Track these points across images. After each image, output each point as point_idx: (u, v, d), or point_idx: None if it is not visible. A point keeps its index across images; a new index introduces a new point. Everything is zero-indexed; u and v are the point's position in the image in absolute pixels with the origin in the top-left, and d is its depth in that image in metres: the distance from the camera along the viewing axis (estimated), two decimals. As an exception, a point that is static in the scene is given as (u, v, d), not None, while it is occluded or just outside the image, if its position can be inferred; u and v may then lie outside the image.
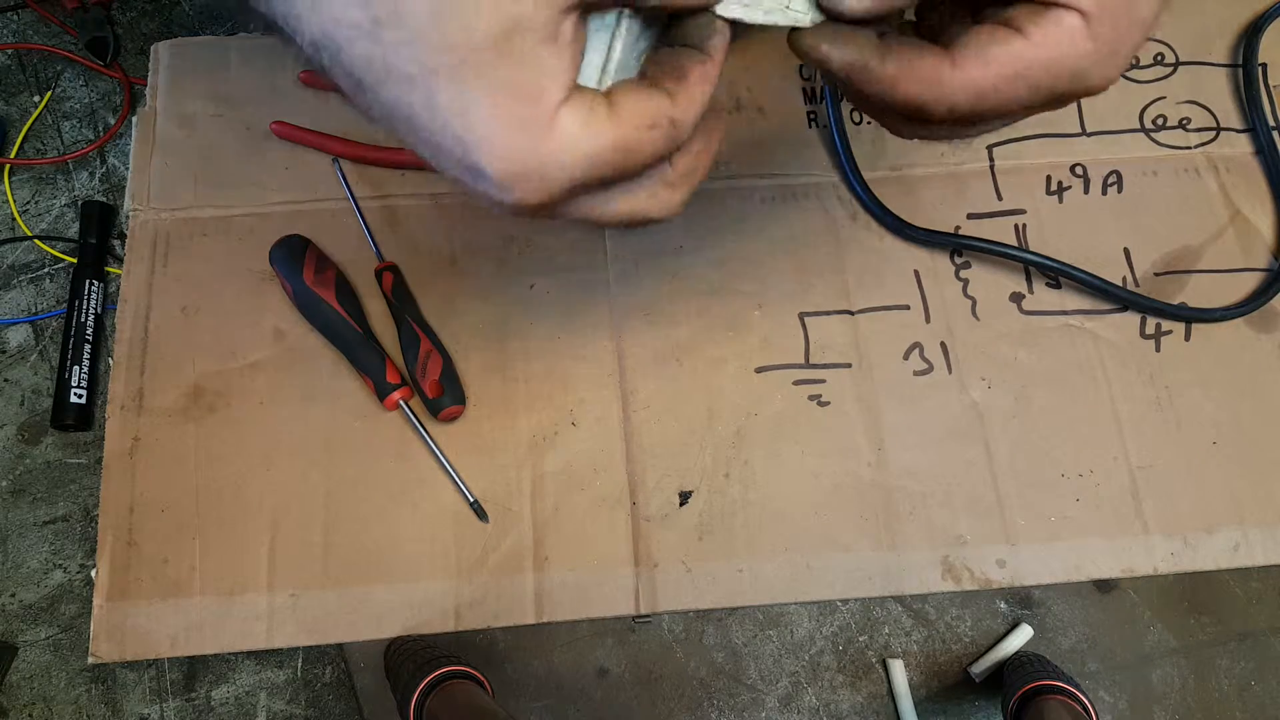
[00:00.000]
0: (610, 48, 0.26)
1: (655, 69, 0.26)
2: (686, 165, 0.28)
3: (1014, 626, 0.97)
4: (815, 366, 0.51)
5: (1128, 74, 0.58)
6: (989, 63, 0.25)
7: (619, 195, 0.27)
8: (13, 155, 0.86)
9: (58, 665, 0.87)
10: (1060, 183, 0.55)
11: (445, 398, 0.48)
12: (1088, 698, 0.81)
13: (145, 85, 0.56)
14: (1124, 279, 0.53)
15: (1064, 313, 0.52)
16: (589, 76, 0.26)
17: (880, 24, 0.28)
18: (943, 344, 0.52)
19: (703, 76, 0.26)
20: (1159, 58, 0.58)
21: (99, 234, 0.83)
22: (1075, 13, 0.25)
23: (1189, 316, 0.52)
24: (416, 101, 0.22)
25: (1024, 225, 0.54)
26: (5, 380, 0.86)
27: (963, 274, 0.53)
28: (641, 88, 0.25)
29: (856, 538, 0.48)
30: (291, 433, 0.49)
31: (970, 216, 0.54)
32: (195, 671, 0.90)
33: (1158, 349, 0.52)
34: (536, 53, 0.22)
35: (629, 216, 0.28)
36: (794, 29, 0.28)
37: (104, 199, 0.86)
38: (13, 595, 0.87)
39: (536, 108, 0.23)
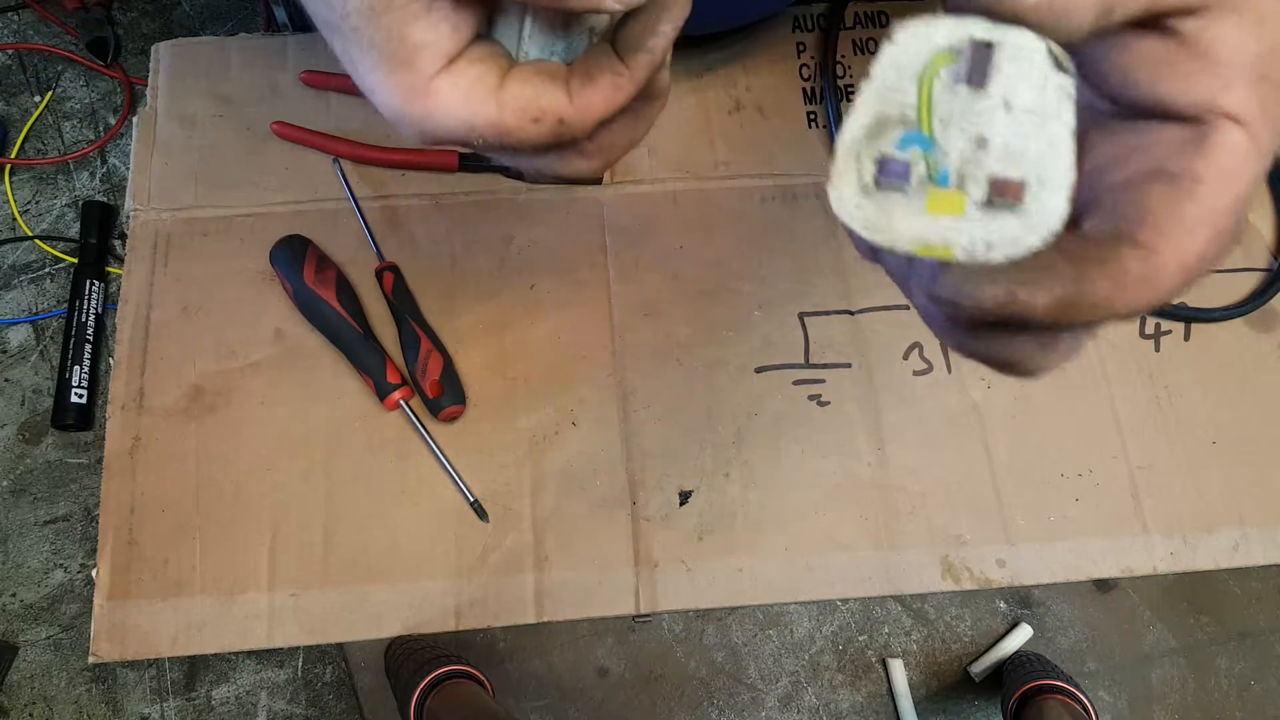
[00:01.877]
0: (523, 24, 0.27)
1: (579, 63, 0.26)
2: (605, 141, 0.28)
3: (1014, 626, 0.97)
4: (815, 366, 0.51)
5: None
6: (1190, 230, 0.20)
7: (525, 153, 0.28)
8: (13, 155, 0.86)
9: (58, 665, 0.87)
10: (1060, 183, 0.55)
11: (445, 398, 0.48)
12: (1087, 697, 0.81)
13: (145, 85, 0.56)
14: (1124, 279, 0.53)
15: (1064, 313, 0.52)
16: (509, 37, 0.27)
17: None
18: (942, 344, 0.52)
19: (613, 86, 0.26)
20: (1159, 58, 0.58)
21: (99, 234, 0.83)
22: (1236, 125, 0.20)
23: (1188, 316, 0.52)
24: (329, 40, 0.26)
25: (1024, 225, 0.54)
26: (6, 380, 0.86)
27: (962, 274, 0.53)
28: (542, 78, 0.26)
29: (856, 537, 0.48)
30: (291, 433, 0.49)
31: (970, 216, 0.54)
32: (196, 671, 0.90)
33: (1157, 349, 0.52)
34: (405, 27, 0.24)
35: (540, 172, 0.29)
36: (968, 272, 0.20)
37: (104, 199, 0.86)
38: (13, 595, 0.87)
39: (410, 73, 0.25)
